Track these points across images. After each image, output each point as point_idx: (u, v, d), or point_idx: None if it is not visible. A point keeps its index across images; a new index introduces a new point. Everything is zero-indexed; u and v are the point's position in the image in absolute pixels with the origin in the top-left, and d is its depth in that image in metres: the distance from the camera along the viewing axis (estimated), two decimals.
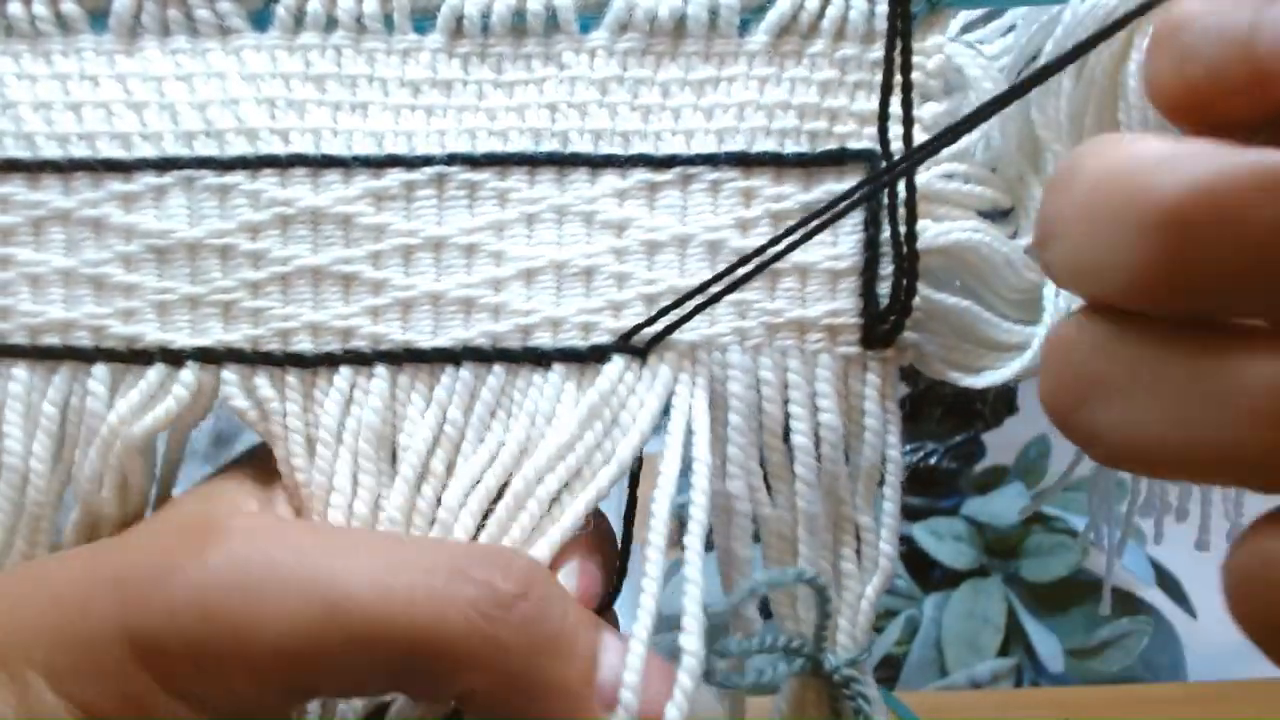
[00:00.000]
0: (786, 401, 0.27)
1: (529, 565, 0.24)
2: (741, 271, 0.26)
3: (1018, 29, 0.29)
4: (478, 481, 0.26)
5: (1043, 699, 0.62)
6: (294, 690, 0.23)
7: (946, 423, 0.78)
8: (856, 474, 0.28)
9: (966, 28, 0.28)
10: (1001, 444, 0.80)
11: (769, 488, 0.27)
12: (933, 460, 0.77)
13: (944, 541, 0.73)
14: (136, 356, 0.27)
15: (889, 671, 0.68)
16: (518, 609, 0.22)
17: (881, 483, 0.28)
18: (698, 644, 0.23)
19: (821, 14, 0.27)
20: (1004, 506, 0.74)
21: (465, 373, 0.27)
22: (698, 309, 0.26)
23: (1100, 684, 0.67)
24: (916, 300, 0.27)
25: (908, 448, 0.76)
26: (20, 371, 0.27)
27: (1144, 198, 0.14)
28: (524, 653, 0.22)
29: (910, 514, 0.75)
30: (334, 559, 0.23)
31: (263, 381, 0.27)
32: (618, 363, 0.27)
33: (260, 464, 0.27)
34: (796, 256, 0.27)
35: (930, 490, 0.77)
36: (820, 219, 0.25)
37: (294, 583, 0.22)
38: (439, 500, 0.26)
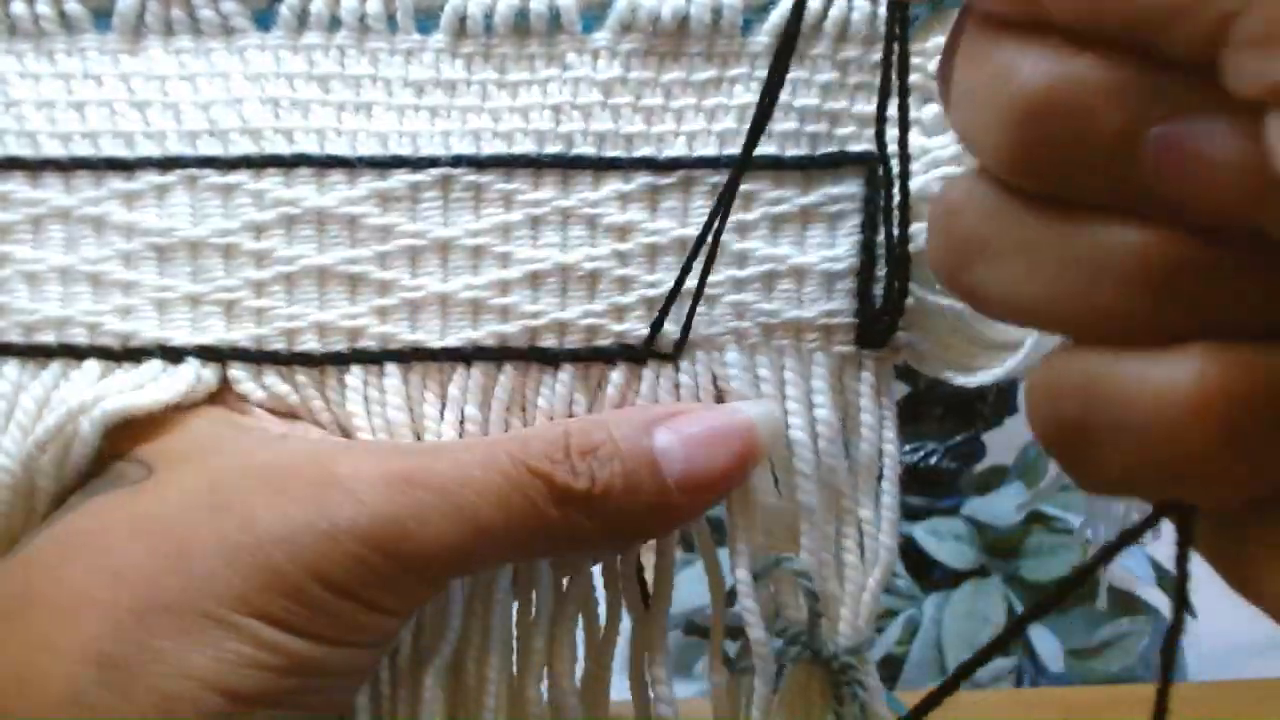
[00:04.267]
0: (784, 399, 0.27)
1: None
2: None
3: None
4: None
5: (1043, 699, 0.62)
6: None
7: (946, 423, 0.77)
8: (855, 469, 0.28)
9: None
10: (1001, 444, 0.79)
11: (775, 481, 0.28)
12: (933, 460, 0.76)
13: (944, 541, 0.73)
14: (131, 354, 0.27)
15: (889, 671, 0.68)
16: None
17: (880, 477, 0.28)
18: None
19: (824, 15, 0.27)
20: (1004, 506, 0.74)
21: (476, 372, 0.27)
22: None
23: (1100, 684, 0.67)
24: (910, 301, 0.27)
25: (908, 448, 0.76)
26: (10, 370, 0.27)
27: (1006, 86, 0.15)
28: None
29: (910, 514, 0.75)
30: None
31: (273, 380, 0.27)
32: (623, 368, 0.27)
33: None
34: (794, 259, 0.27)
35: (930, 490, 0.77)
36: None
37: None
38: None
